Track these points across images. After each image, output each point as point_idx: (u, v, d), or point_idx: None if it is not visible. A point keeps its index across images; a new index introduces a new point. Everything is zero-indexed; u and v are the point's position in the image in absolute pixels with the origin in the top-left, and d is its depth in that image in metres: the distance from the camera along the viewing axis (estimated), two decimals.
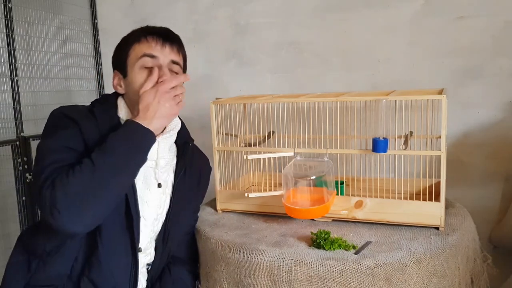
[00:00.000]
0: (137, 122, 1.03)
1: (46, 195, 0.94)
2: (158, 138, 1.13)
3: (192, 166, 1.25)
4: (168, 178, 1.19)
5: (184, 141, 1.25)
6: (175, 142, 1.22)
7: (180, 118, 1.26)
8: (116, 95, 1.18)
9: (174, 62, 1.13)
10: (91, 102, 1.18)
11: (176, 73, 1.14)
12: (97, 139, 1.04)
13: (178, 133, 1.21)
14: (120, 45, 1.16)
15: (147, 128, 1.03)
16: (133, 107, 1.12)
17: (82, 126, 1.04)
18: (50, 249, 1.07)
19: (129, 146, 1.01)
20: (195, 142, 1.32)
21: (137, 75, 1.10)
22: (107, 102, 1.15)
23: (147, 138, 1.04)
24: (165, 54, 1.11)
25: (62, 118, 1.06)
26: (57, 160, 0.99)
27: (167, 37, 1.13)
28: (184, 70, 1.21)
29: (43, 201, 0.94)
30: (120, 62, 1.14)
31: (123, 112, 1.14)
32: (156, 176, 1.14)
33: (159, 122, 1.06)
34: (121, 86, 1.16)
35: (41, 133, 1.09)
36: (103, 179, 0.97)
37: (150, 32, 1.12)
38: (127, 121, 1.05)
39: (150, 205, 1.13)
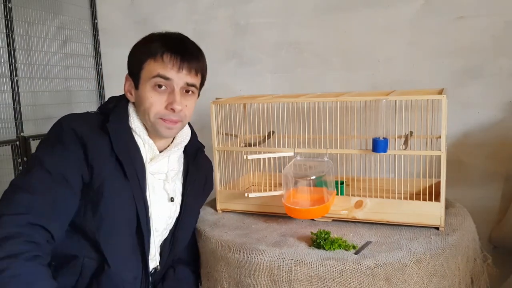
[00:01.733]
0: None
1: None
2: (168, 152, 1.13)
3: (199, 172, 1.25)
4: (175, 187, 1.18)
5: (196, 147, 1.24)
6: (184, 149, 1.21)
7: (190, 125, 1.24)
8: (127, 99, 1.13)
9: (189, 85, 1.08)
10: (102, 110, 1.12)
11: (190, 94, 1.10)
12: (106, 156, 1.02)
13: (190, 137, 1.21)
14: (136, 51, 1.09)
15: None
16: (143, 118, 1.09)
17: (89, 148, 1.00)
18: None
19: None
20: None
21: (148, 93, 1.05)
22: (120, 112, 1.10)
23: None
24: (180, 77, 1.05)
25: (71, 135, 1.00)
26: (38, 194, 0.92)
27: (185, 56, 1.05)
28: (201, 86, 1.15)
29: None
30: (134, 71, 1.08)
31: (135, 124, 1.09)
32: (165, 187, 1.13)
33: None
34: (131, 94, 1.11)
35: (41, 133, 1.08)
36: None
37: (169, 48, 1.05)
38: None
39: (161, 216, 1.13)
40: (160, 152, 1.13)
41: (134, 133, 1.09)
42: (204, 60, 1.13)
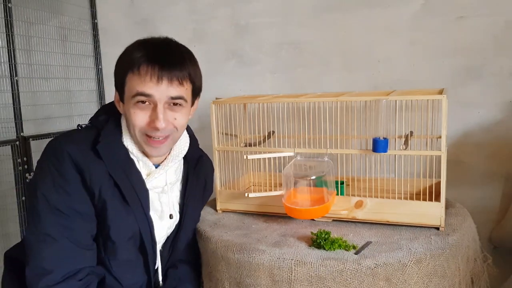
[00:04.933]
0: None
1: None
2: (164, 168, 1.09)
3: (199, 176, 1.23)
4: (173, 196, 1.17)
5: (197, 156, 1.22)
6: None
7: (189, 129, 1.22)
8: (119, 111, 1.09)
9: (174, 98, 0.99)
10: (93, 123, 1.07)
11: (179, 106, 1.01)
12: (104, 179, 1.00)
13: (189, 146, 1.17)
14: (119, 61, 1.03)
15: None
16: (131, 133, 1.04)
17: (86, 173, 0.98)
18: None
19: None
20: None
21: (131, 111, 0.99)
22: (110, 129, 1.05)
23: None
24: (161, 91, 0.96)
25: (67, 163, 0.97)
26: (58, 240, 0.97)
27: (163, 66, 0.96)
28: (195, 92, 1.06)
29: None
30: (118, 85, 1.03)
31: (128, 142, 1.05)
32: (160, 200, 1.12)
33: None
34: (120, 106, 1.05)
35: (41, 133, 1.07)
36: None
37: (147, 58, 0.96)
38: None
39: (161, 228, 1.13)
40: (156, 166, 1.09)
41: (129, 152, 1.05)
42: (191, 65, 1.02)
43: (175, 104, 1.00)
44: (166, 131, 1.01)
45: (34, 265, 0.96)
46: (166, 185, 1.11)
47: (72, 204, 0.98)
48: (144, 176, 1.07)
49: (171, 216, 1.12)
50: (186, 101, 1.02)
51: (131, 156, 1.06)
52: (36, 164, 1.03)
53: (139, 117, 0.99)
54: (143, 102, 0.98)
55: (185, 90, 1.01)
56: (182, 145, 1.13)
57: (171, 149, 1.11)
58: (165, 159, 1.11)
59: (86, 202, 1.00)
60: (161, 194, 1.11)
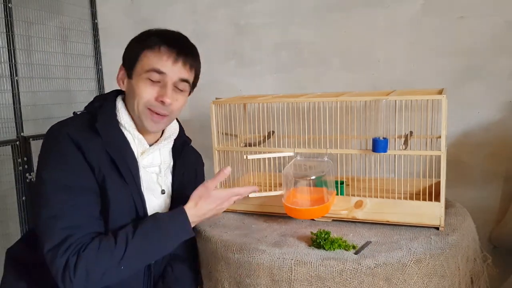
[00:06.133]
0: (188, 219, 1.05)
1: (62, 262, 0.93)
2: (158, 145, 1.14)
3: (188, 166, 1.26)
4: (167, 181, 1.19)
5: (182, 140, 1.26)
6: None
7: (177, 119, 1.26)
8: (115, 94, 1.15)
9: (182, 80, 1.09)
10: (88, 109, 1.12)
11: (181, 91, 1.11)
12: (101, 155, 1.03)
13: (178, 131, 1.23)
14: (133, 42, 1.11)
15: (191, 230, 1.06)
16: (131, 109, 1.11)
17: (85, 149, 1.01)
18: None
19: (166, 237, 1.03)
20: (195, 142, 1.32)
21: (140, 85, 1.06)
22: (107, 110, 1.10)
23: (186, 235, 1.06)
24: (174, 71, 1.07)
25: (67, 142, 1.01)
26: (72, 213, 0.98)
27: (182, 50, 1.07)
28: (194, 85, 1.17)
29: (58, 265, 0.94)
30: (129, 61, 1.09)
31: (124, 119, 1.10)
32: (158, 181, 1.15)
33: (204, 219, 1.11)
34: (123, 83, 1.12)
35: (41, 133, 1.09)
36: (130, 263, 0.99)
37: (166, 41, 1.07)
38: (179, 211, 1.06)
39: (156, 209, 1.14)
40: (150, 146, 1.15)
41: (123, 129, 1.10)
42: (199, 59, 1.15)
43: (179, 89, 1.10)
44: (168, 109, 1.08)
45: (49, 244, 0.96)
46: (161, 164, 1.15)
47: (77, 179, 1.00)
48: (139, 154, 1.11)
49: (163, 191, 1.16)
50: (189, 86, 1.13)
51: (126, 134, 1.11)
52: (38, 155, 1.06)
53: (148, 90, 1.07)
54: (154, 79, 1.06)
55: (191, 76, 1.12)
56: (173, 129, 1.22)
57: (163, 132, 1.19)
58: (157, 140, 1.17)
59: (90, 176, 1.02)
60: (158, 175, 1.15)
